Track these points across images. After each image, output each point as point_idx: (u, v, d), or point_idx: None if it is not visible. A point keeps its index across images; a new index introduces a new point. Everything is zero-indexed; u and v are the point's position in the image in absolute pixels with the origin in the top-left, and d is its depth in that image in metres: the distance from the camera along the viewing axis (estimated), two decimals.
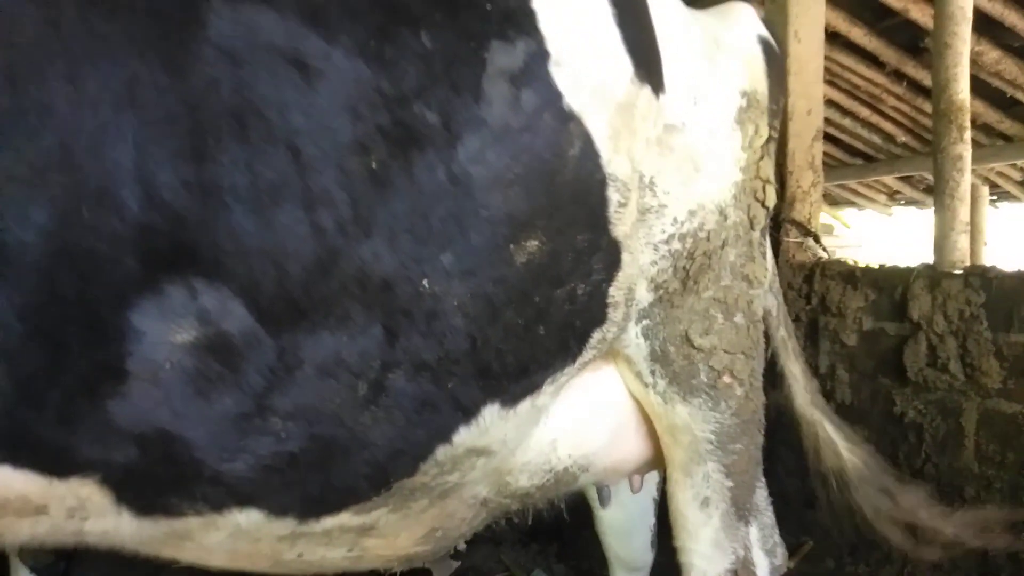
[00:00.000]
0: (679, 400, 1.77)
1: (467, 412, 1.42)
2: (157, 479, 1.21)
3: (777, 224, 3.61)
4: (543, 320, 1.45)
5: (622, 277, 1.59)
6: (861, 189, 10.76)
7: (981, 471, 2.81)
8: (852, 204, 11.66)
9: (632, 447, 1.91)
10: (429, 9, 1.27)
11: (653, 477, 2.48)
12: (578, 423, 1.74)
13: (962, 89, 3.29)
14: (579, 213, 1.45)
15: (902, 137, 8.08)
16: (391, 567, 1.77)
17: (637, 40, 1.55)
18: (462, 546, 3.36)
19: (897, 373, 3.11)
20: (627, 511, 2.59)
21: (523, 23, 1.35)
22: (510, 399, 1.48)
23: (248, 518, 1.32)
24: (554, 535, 3.61)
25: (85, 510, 1.20)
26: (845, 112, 7.90)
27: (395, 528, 1.56)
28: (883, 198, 10.95)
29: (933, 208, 3.44)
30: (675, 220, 1.70)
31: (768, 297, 2.02)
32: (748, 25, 1.97)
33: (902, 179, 9.77)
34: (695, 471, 1.83)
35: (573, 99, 1.39)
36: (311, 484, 1.33)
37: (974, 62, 4.47)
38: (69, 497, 1.18)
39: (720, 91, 1.80)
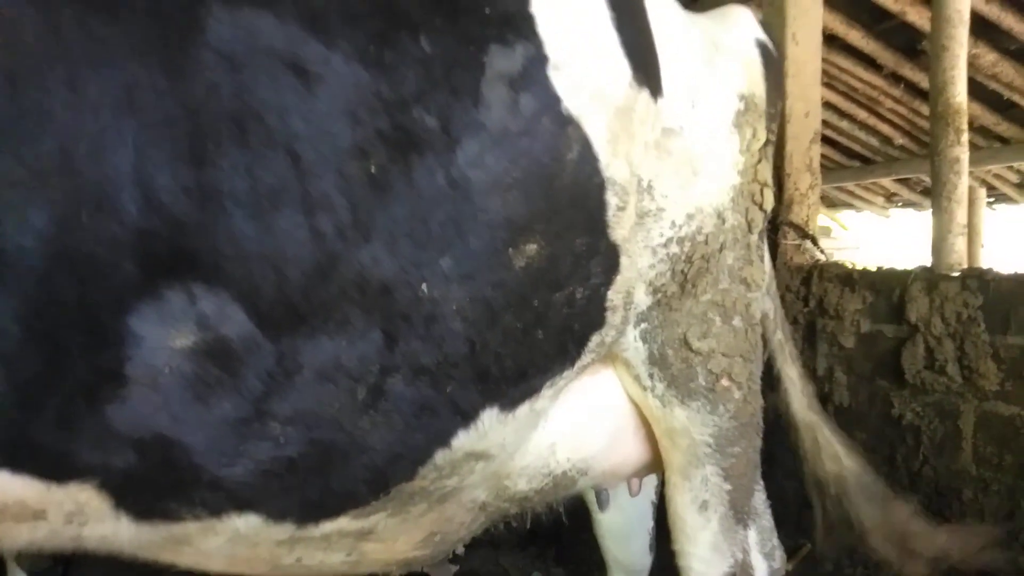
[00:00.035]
0: (677, 403, 1.77)
1: (466, 416, 1.42)
2: (156, 484, 1.21)
3: (775, 226, 3.61)
4: (542, 324, 1.45)
5: (620, 281, 1.59)
6: (858, 191, 10.77)
7: (979, 473, 2.81)
8: (850, 206, 11.68)
9: (630, 450, 1.91)
10: (428, 14, 1.27)
11: (651, 480, 2.49)
12: (577, 427, 1.74)
13: (959, 92, 3.30)
14: (578, 217, 1.45)
15: (899, 139, 8.10)
16: (389, 571, 1.77)
17: (635, 44, 1.55)
18: (460, 550, 3.36)
19: (895, 375, 3.11)
20: (625, 514, 2.59)
21: (522, 27, 1.35)
22: (509, 403, 1.48)
23: (247, 523, 1.32)
24: (552, 539, 3.61)
25: (84, 515, 1.20)
26: (843, 114, 7.92)
27: (394, 532, 1.56)
28: (880, 200, 10.97)
29: (930, 210, 3.45)
30: (673, 224, 1.70)
31: (765, 300, 2.02)
32: (746, 28, 1.97)
33: (899, 181, 9.79)
34: (693, 474, 1.83)
35: (571, 103, 1.40)
36: (310, 489, 1.33)
37: (971, 65, 4.48)
38: (68, 502, 1.18)
39: (718, 94, 1.80)
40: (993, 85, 6.23)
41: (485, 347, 1.37)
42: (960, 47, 3.31)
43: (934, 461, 2.97)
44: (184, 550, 1.37)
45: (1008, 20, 5.38)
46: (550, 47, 1.37)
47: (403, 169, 1.23)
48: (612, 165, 1.48)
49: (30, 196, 1.02)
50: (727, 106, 1.81)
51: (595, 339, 1.60)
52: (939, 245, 3.32)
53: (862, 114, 7.84)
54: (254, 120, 1.13)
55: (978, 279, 2.82)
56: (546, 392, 1.56)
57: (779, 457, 2.43)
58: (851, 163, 9.32)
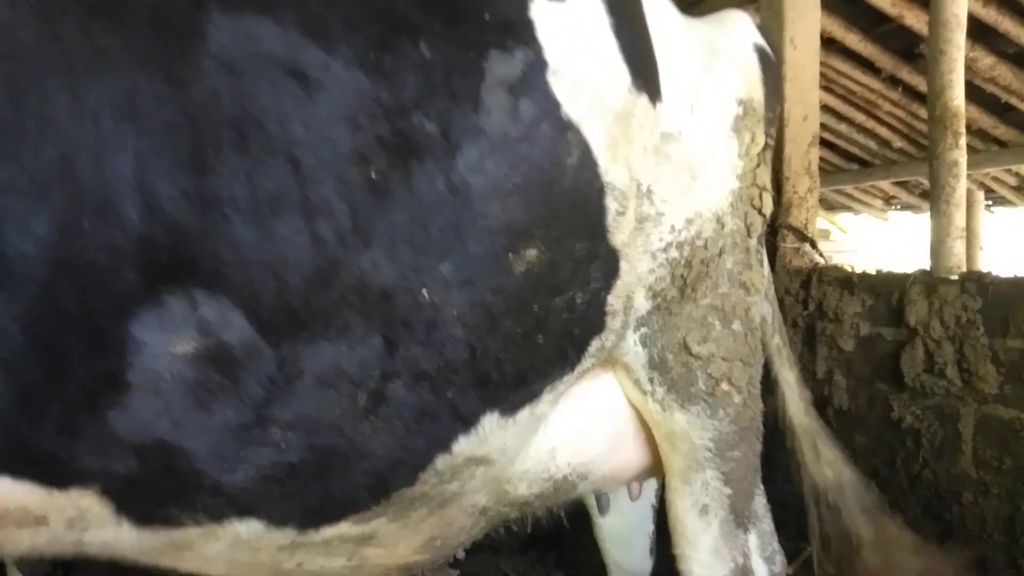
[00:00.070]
0: (677, 408, 1.78)
1: (466, 421, 1.42)
2: (157, 490, 1.21)
3: (774, 230, 3.62)
4: (542, 329, 1.46)
5: (620, 285, 1.59)
6: (857, 194, 10.78)
7: (979, 476, 2.81)
8: (848, 209, 11.69)
9: (631, 455, 1.91)
10: (428, 19, 1.27)
11: (652, 484, 2.49)
12: (577, 431, 1.74)
13: (957, 95, 3.31)
14: (577, 222, 1.45)
15: (898, 142, 8.11)
16: None
17: (634, 49, 1.55)
18: (461, 554, 3.35)
19: (894, 378, 3.11)
20: (626, 518, 2.59)
21: (521, 33, 1.36)
22: (509, 408, 1.49)
23: (248, 528, 1.32)
24: (553, 543, 3.60)
25: (85, 521, 1.21)
26: (841, 117, 7.93)
27: (394, 537, 1.56)
28: (879, 203, 10.98)
29: (929, 213, 3.45)
30: (673, 228, 1.70)
31: (763, 304, 2.03)
32: (744, 33, 1.98)
33: (898, 184, 9.79)
34: (694, 479, 1.83)
35: (571, 108, 1.40)
36: (311, 494, 1.33)
37: (969, 68, 4.49)
38: (69, 508, 1.18)
39: (717, 99, 1.81)
40: (991, 88, 6.24)
41: (485, 352, 1.37)
42: (958, 50, 3.31)
43: (934, 464, 2.97)
44: (185, 555, 1.37)
45: (1005, 23, 5.39)
46: (549, 52, 1.38)
47: (403, 175, 1.23)
48: (612, 170, 1.49)
49: (32, 203, 1.02)
50: (726, 111, 1.81)
51: (595, 344, 1.60)
52: (938, 248, 3.32)
53: (860, 117, 7.85)
54: (254, 126, 1.13)
55: (977, 282, 2.82)
56: (546, 397, 1.56)
57: (779, 461, 2.43)
58: (849, 166, 9.33)
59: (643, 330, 1.73)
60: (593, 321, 1.57)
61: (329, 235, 1.18)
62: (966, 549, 2.55)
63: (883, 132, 8.01)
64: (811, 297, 3.48)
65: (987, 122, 6.90)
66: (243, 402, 1.18)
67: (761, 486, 1.98)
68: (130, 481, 1.17)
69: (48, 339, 1.06)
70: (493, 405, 1.45)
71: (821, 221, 10.06)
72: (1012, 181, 8.95)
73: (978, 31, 5.31)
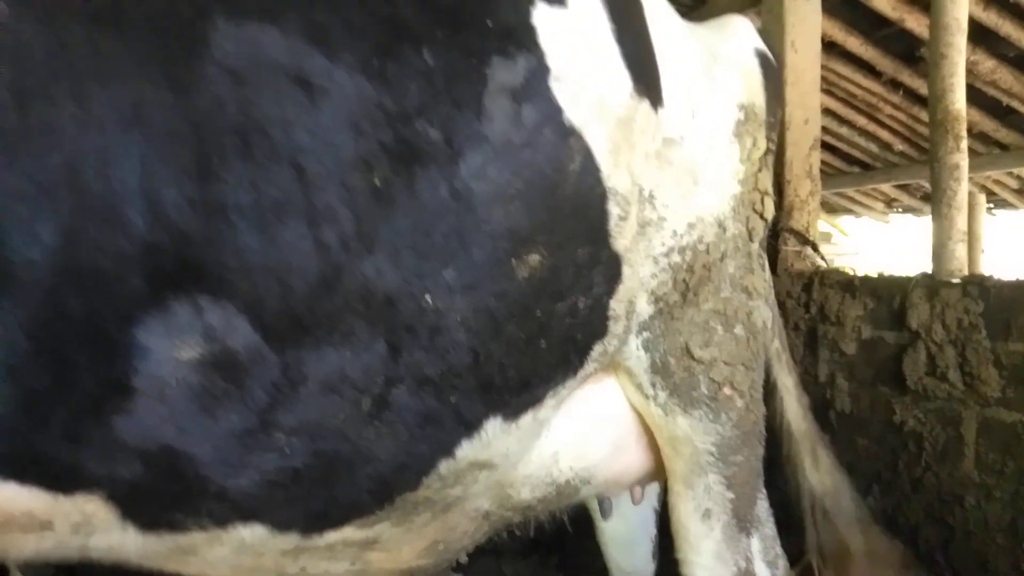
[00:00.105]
0: (680, 412, 1.78)
1: (470, 426, 1.42)
2: (162, 495, 1.21)
3: (775, 233, 3.62)
4: (545, 334, 1.46)
5: (623, 290, 1.60)
6: (858, 197, 10.78)
7: (981, 480, 2.81)
8: (849, 211, 11.68)
9: (633, 459, 1.91)
10: (431, 26, 1.28)
11: (654, 488, 2.48)
12: (579, 435, 1.75)
13: (958, 99, 3.31)
14: (580, 227, 1.46)
15: (899, 145, 8.11)
16: None
17: (636, 54, 1.56)
18: (463, 558, 3.35)
19: (896, 382, 3.11)
20: (628, 522, 2.59)
21: (523, 39, 1.36)
22: (512, 412, 1.49)
23: (252, 533, 1.32)
24: (555, 547, 3.60)
25: (90, 526, 1.21)
26: (842, 121, 7.93)
27: (398, 542, 1.56)
28: (880, 206, 10.98)
29: (930, 216, 3.45)
30: (675, 233, 1.71)
31: (764, 309, 2.03)
32: (745, 38, 1.98)
33: (899, 187, 9.79)
34: (696, 483, 1.83)
35: (573, 114, 1.41)
36: (315, 499, 1.33)
37: (970, 71, 4.50)
38: (74, 513, 1.18)
39: (718, 105, 1.81)
40: (992, 91, 6.24)
41: (488, 357, 1.38)
42: (959, 54, 3.31)
43: (936, 468, 2.97)
44: (189, 560, 1.38)
45: (1006, 27, 5.39)
46: (552, 58, 1.38)
47: (406, 181, 1.24)
48: (614, 175, 1.49)
49: (38, 210, 1.03)
50: (727, 116, 1.82)
51: (597, 348, 1.61)
52: (939, 251, 3.31)
53: (861, 120, 7.84)
54: (259, 133, 1.14)
55: (979, 286, 2.82)
56: (549, 401, 1.56)
57: (782, 464, 2.43)
58: (851, 169, 9.33)
59: (645, 334, 1.73)
60: (595, 326, 1.58)
61: (333, 241, 1.19)
62: (969, 553, 2.54)
63: (884, 135, 8.01)
64: (813, 300, 3.48)
65: (988, 125, 6.91)
66: (248, 407, 1.18)
67: (763, 490, 1.98)
68: (135, 486, 1.17)
69: (54, 345, 1.06)
70: (496, 410, 1.45)
71: (822, 224, 10.08)
72: (1013, 184, 8.95)
73: (979, 35, 5.31)
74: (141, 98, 1.08)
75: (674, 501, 1.89)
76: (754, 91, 1.89)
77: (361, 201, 1.20)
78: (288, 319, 1.18)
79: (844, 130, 8.05)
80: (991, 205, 9.61)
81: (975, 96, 5.81)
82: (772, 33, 3.74)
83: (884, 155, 8.40)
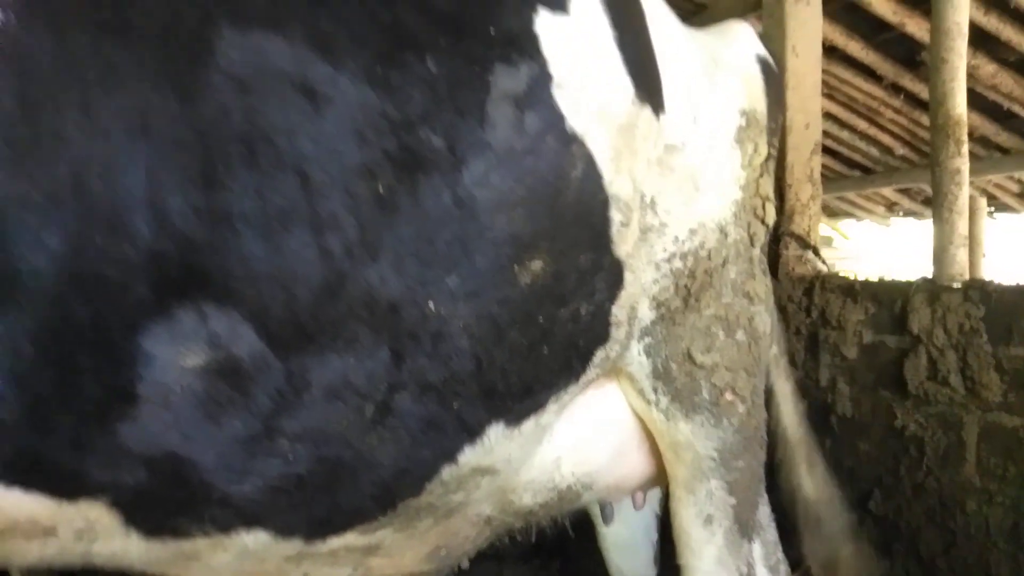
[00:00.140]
0: (681, 417, 1.78)
1: (472, 432, 1.43)
2: (166, 501, 1.22)
3: (776, 237, 3.62)
4: (547, 340, 1.46)
5: (624, 296, 1.60)
6: (859, 201, 10.78)
7: (983, 484, 2.81)
8: (850, 215, 11.68)
9: (635, 464, 1.91)
10: (434, 34, 1.29)
11: (656, 493, 2.49)
12: (581, 441, 1.75)
13: (959, 103, 3.31)
14: (582, 233, 1.46)
15: (900, 149, 8.11)
16: None
17: (637, 61, 1.57)
18: (465, 563, 3.35)
19: (898, 386, 3.11)
20: (630, 528, 2.59)
21: (526, 46, 1.37)
22: (514, 418, 1.49)
23: (255, 539, 1.32)
24: (557, 552, 3.60)
25: (94, 532, 1.21)
26: (843, 125, 7.93)
27: (400, 547, 1.56)
28: (881, 210, 10.98)
29: (931, 220, 3.45)
30: (676, 239, 1.71)
31: (765, 314, 2.03)
32: (746, 44, 1.99)
33: (900, 191, 9.79)
34: (698, 488, 1.83)
35: (575, 121, 1.41)
36: (318, 505, 1.34)
37: (970, 76, 4.49)
38: (78, 519, 1.19)
39: (719, 110, 1.82)
40: (993, 96, 6.24)
41: (491, 363, 1.38)
42: (960, 59, 3.32)
43: (938, 472, 2.97)
44: (192, 566, 1.38)
45: (1007, 32, 5.40)
46: (554, 66, 1.39)
47: (410, 189, 1.24)
48: (616, 182, 1.50)
49: (44, 218, 1.03)
50: (728, 122, 1.83)
51: (600, 354, 1.61)
52: (940, 256, 3.32)
53: (862, 125, 7.85)
54: (263, 141, 1.14)
55: (980, 290, 2.82)
56: (551, 407, 1.57)
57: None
58: (852, 173, 9.33)
59: (647, 340, 1.73)
60: (597, 332, 1.58)
61: (337, 249, 1.19)
62: (970, 558, 2.54)
63: (885, 139, 8.01)
64: (814, 304, 3.48)
65: (989, 129, 6.91)
66: (252, 414, 1.19)
67: (765, 495, 1.98)
68: (139, 493, 1.18)
69: (59, 352, 1.07)
70: (499, 416, 1.46)
71: (823, 228, 10.08)
72: (1014, 188, 8.95)
73: (980, 39, 5.32)
74: (147, 106, 1.09)
75: (675, 506, 1.89)
76: (755, 97, 1.89)
77: (365, 209, 1.21)
78: (292, 326, 1.19)
79: (845, 134, 8.06)
80: (992, 209, 9.61)
81: (976, 100, 5.82)
82: (773, 38, 3.75)
83: (885, 159, 8.41)
